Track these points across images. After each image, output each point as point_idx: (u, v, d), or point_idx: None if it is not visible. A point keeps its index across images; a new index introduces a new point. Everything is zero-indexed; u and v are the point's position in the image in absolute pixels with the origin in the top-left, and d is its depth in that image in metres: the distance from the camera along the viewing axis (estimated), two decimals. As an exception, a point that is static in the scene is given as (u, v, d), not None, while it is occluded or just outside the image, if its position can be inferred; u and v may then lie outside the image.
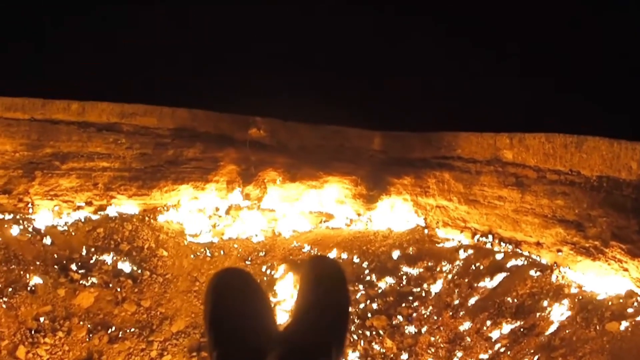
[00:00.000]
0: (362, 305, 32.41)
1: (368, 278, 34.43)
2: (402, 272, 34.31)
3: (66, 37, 42.51)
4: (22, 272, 29.34)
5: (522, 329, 26.14)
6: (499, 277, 30.18)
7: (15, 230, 31.84)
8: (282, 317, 31.46)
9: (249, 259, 36.46)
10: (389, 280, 33.94)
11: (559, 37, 41.74)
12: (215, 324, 2.43)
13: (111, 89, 38.46)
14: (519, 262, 30.55)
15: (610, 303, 24.73)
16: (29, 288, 28.90)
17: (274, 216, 40.55)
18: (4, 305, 27.25)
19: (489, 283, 30.30)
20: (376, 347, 29.58)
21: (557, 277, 28.06)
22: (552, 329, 25.12)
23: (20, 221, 32.73)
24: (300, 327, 2.52)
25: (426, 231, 37.56)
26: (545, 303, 26.78)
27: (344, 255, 36.24)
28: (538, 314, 26.36)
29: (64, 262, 31.58)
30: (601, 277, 26.69)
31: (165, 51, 46.20)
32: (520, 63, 42.31)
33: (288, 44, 49.01)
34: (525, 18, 44.32)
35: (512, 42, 43.67)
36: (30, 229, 32.51)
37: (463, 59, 43.87)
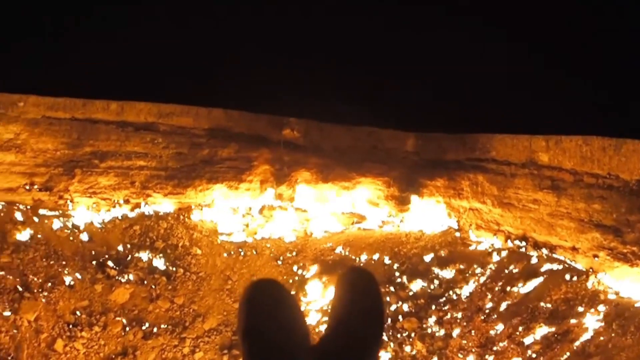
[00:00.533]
0: (393, 307, 32.33)
1: (399, 280, 34.32)
2: (433, 275, 34.10)
3: (102, 39, 43.62)
4: (61, 268, 30.24)
5: (555, 335, 25.68)
6: (533, 281, 29.71)
7: (55, 227, 32.83)
8: (314, 317, 31.68)
9: (281, 258, 36.74)
10: (421, 282, 33.77)
11: (596, 36, 40.84)
12: (249, 335, 2.42)
13: (147, 89, 39.27)
14: (554, 266, 30.02)
15: (648, 311, 24.13)
16: (67, 283, 29.75)
17: (306, 216, 40.75)
18: (43, 300, 28.13)
19: (522, 287, 29.85)
20: (407, 349, 29.50)
21: (593, 283, 27.48)
22: (587, 335, 24.62)
23: (60, 218, 33.71)
24: (336, 339, 2.53)
25: (458, 234, 37.22)
26: (580, 309, 26.25)
27: (376, 257, 36.21)
28: (572, 320, 25.85)
29: (101, 258, 32.41)
30: (639, 284, 26.03)
31: (200, 52, 46.94)
32: (556, 63, 41.51)
33: (322, 44, 49.19)
34: (561, 16, 43.48)
35: (548, 41, 42.93)
36: (69, 226, 33.47)
37: (497, 59, 43.28)
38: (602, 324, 24.59)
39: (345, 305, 2.63)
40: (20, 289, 27.90)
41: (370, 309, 2.63)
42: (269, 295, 2.55)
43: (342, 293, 2.70)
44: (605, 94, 36.94)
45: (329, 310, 2.73)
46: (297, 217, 40.54)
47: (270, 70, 45.46)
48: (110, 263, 32.29)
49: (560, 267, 29.81)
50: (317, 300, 33.20)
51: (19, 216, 32.14)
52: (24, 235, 31.00)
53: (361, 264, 35.63)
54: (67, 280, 29.86)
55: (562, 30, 42.66)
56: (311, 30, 49.86)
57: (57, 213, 33.88)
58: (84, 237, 33.18)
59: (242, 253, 36.27)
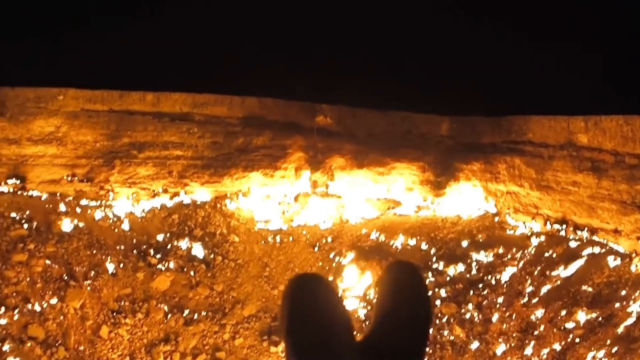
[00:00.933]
0: (430, 293, 32.18)
1: (436, 265, 34.17)
2: (471, 260, 33.82)
3: (138, 31, 44.14)
4: (104, 257, 31.01)
5: (599, 319, 25.29)
6: (574, 265, 29.24)
7: (97, 217, 33.65)
8: (351, 303, 31.82)
9: (317, 245, 36.94)
10: (458, 267, 33.56)
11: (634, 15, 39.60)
12: (292, 333, 2.40)
13: (183, 79, 39.71)
14: (595, 250, 29.49)
15: (695, 294, 23.57)
16: (110, 271, 30.51)
17: (341, 203, 40.79)
18: (88, 288, 28.94)
19: (562, 271, 29.41)
20: (445, 334, 29.44)
21: (637, 265, 26.92)
22: (631, 320, 24.16)
23: (102, 208, 34.52)
24: (381, 337, 2.51)
25: (496, 218, 36.81)
26: (623, 292, 25.76)
27: (412, 242, 36.10)
28: (616, 304, 25.40)
29: (142, 247, 33.13)
30: (685, 267, 25.46)
31: (232, 41, 47.15)
32: (591, 41, 40.44)
33: (353, 29, 48.88)
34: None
35: (582, 20, 41.82)
36: (110, 215, 34.27)
37: (530, 40, 42.44)
38: (647, 307, 24.11)
39: (391, 302, 2.60)
40: (65, 277, 28.74)
41: (418, 306, 2.59)
42: (311, 291, 2.52)
43: (387, 288, 2.67)
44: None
45: (374, 304, 2.67)
46: (332, 204, 40.62)
47: (302, 57, 45.49)
48: (151, 251, 32.98)
49: (602, 250, 29.27)
50: (354, 287, 33.33)
51: (62, 207, 33.02)
52: (67, 225, 31.85)
53: (399, 250, 35.60)
54: (110, 268, 30.63)
55: (600, 10, 41.49)
56: (344, 16, 49.60)
57: (98, 203, 34.70)
58: (125, 226, 33.94)
59: (278, 240, 36.59)
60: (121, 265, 31.29)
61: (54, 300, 27.46)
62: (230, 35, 47.82)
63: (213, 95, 38.45)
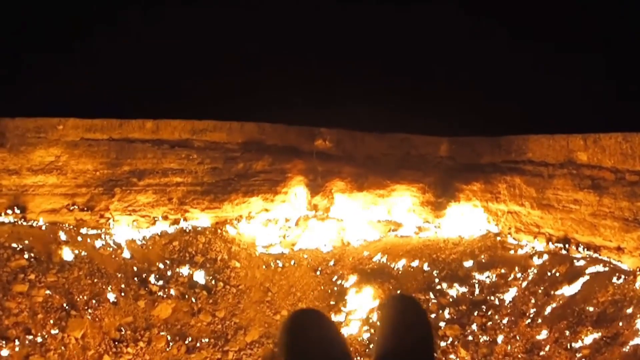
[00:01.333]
0: (434, 315, 31.98)
1: (439, 287, 33.94)
2: (474, 280, 33.62)
3: (135, 58, 44.57)
4: (104, 285, 30.81)
5: (604, 338, 25.01)
6: (578, 284, 29.02)
7: (97, 245, 33.54)
8: (355, 326, 31.56)
9: (319, 269, 36.76)
10: (461, 288, 33.33)
11: (626, 33, 39.96)
12: None
13: (180, 107, 39.96)
14: (599, 268, 29.28)
15: (700, 310, 23.34)
16: (111, 300, 30.30)
17: (342, 226, 40.73)
18: (89, 317, 28.68)
19: (566, 290, 29.18)
20: (451, 356, 29.11)
21: (641, 283, 26.71)
22: (638, 338, 23.89)
23: (102, 236, 34.43)
24: None
25: (498, 238, 36.69)
26: (629, 311, 25.50)
27: (414, 264, 35.91)
28: (621, 323, 25.13)
29: (143, 274, 32.95)
30: (690, 283, 25.25)
31: (231, 65, 47.54)
32: (589, 60, 40.74)
33: (351, 53, 49.31)
34: (591, 16, 42.68)
35: (577, 40, 42.18)
36: (111, 243, 34.15)
37: (527, 59, 42.76)
38: (653, 325, 23.86)
39: (394, 338, 2.61)
40: (66, 307, 28.51)
41: (421, 342, 2.61)
42: (309, 326, 2.55)
43: (390, 322, 2.69)
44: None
45: (376, 339, 2.70)
46: (333, 227, 40.55)
47: (299, 82, 45.81)
48: (152, 279, 32.80)
49: (606, 268, 29.07)
50: (357, 310, 33.07)
51: (62, 236, 32.91)
52: (68, 254, 31.72)
53: (401, 272, 35.40)
54: (111, 297, 30.41)
55: (596, 28, 41.89)
56: (341, 41, 50.07)
57: (99, 232, 34.63)
58: (126, 254, 33.81)
59: (280, 265, 36.43)
60: (122, 293, 31.08)
61: (55, 331, 27.20)
62: (229, 59, 48.21)
63: (212, 121, 38.64)
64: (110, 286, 30.92)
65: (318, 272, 36.51)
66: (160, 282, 32.81)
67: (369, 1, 50.29)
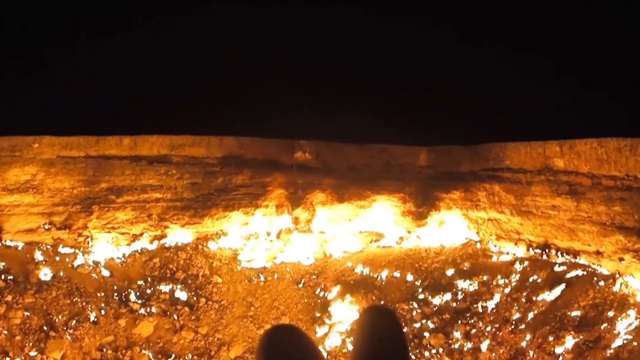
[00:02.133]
0: (418, 325, 31.98)
1: (422, 296, 33.99)
2: (457, 288, 33.72)
3: (111, 74, 44.25)
4: (84, 304, 30.27)
5: (587, 342, 25.21)
6: (559, 289, 29.26)
7: (76, 264, 32.98)
8: (338, 339, 31.40)
9: (302, 281, 36.58)
10: (444, 297, 33.40)
11: (600, 41, 40.80)
12: None
13: (158, 122, 39.70)
14: (579, 272, 29.57)
15: (679, 311, 23.66)
16: (91, 319, 29.77)
17: (324, 238, 40.63)
18: (68, 337, 28.14)
19: (548, 296, 29.40)
20: (435, 366, 29.09)
21: (621, 286, 27.03)
22: (619, 341, 24.15)
23: (81, 255, 33.87)
24: None
25: (479, 245, 36.90)
26: (610, 314, 25.78)
27: (397, 274, 35.93)
28: (603, 326, 25.38)
29: (124, 292, 32.44)
30: (668, 285, 25.61)
31: (208, 79, 47.43)
32: (562, 68, 41.47)
33: (328, 65, 49.53)
34: (568, 20, 43.52)
35: (550, 47, 42.95)
36: (90, 262, 33.62)
37: (504, 67, 43.35)
38: (634, 328, 24.12)
39: (369, 347, 2.60)
40: (45, 328, 27.96)
41: (396, 352, 2.61)
42: (285, 342, 2.54)
43: (365, 332, 2.68)
44: (615, 94, 36.75)
45: (352, 349, 2.69)
46: (315, 239, 40.43)
47: (277, 94, 45.88)
48: (132, 297, 32.31)
49: (586, 272, 29.37)
50: (341, 322, 32.93)
51: (39, 256, 32.35)
52: (45, 274, 31.15)
53: (384, 282, 35.38)
54: (91, 316, 29.89)
55: (570, 35, 42.67)
56: (319, 53, 50.28)
57: (77, 250, 34.06)
58: (105, 272, 33.29)
59: (262, 278, 36.16)
60: (102, 312, 30.54)
61: (34, 353, 26.64)
62: (206, 73, 48.13)
63: (190, 136, 38.39)
64: (90, 305, 30.39)
65: (301, 285, 36.32)
66: (141, 300, 32.34)
67: (344, 13, 50.62)
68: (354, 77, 49.66)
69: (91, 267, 33.22)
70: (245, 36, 50.97)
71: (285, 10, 50.84)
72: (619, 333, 24.51)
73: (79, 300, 30.34)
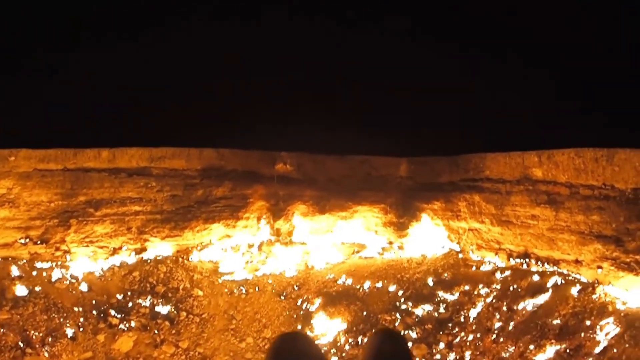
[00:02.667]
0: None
1: (404, 306, 34.01)
2: (439, 299, 33.82)
3: (88, 90, 43.85)
4: (61, 320, 29.72)
5: (567, 351, 25.39)
6: (539, 298, 29.51)
7: (53, 279, 32.39)
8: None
9: (284, 294, 36.36)
10: (426, 307, 33.47)
11: (580, 51, 41.54)
12: None
13: (138, 134, 39.39)
14: (559, 281, 29.86)
15: (657, 318, 23.96)
16: (69, 335, 29.21)
17: (306, 249, 40.52)
18: (46, 354, 27.57)
19: (529, 305, 29.62)
20: (418, 376, 29.06)
21: (600, 294, 27.33)
22: (599, 349, 24.36)
23: (58, 269, 33.28)
24: None
25: (460, 255, 37.10)
26: (589, 322, 26.02)
27: (379, 285, 35.93)
28: (583, 334, 25.60)
29: (102, 307, 31.93)
30: (646, 292, 25.93)
31: (188, 91, 47.24)
32: (540, 78, 42.12)
33: (308, 77, 49.68)
34: (547, 33, 44.26)
35: (530, 57, 43.61)
36: (68, 277, 33.03)
37: (482, 79, 43.90)
38: (614, 335, 24.36)
39: None
40: (21, 345, 27.35)
41: None
42: (294, 348, 2.56)
43: (371, 355, 2.74)
44: (592, 105, 37.41)
45: None
46: (296, 251, 40.30)
47: (257, 105, 45.86)
48: (111, 311, 31.80)
49: (565, 281, 29.66)
50: (324, 334, 32.79)
51: (16, 271, 31.70)
52: (22, 290, 30.53)
53: (366, 293, 35.34)
54: (69, 332, 29.34)
55: (548, 45, 43.42)
56: (299, 65, 50.41)
57: (54, 265, 33.47)
58: (84, 287, 32.74)
59: (244, 291, 35.88)
60: (80, 328, 30.00)
61: (9, 371, 26.04)
62: (186, 86, 47.94)
63: (170, 148, 38.09)
64: (67, 321, 29.85)
65: (283, 297, 36.11)
66: (121, 315, 31.84)
67: (319, 24, 50.90)
68: (334, 88, 49.85)
69: (69, 282, 32.65)
70: (223, 49, 50.90)
71: (263, 21, 50.99)
72: (599, 341, 24.73)
73: (56, 316, 29.78)
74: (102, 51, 45.50)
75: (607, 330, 24.99)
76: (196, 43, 50.46)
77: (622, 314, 25.34)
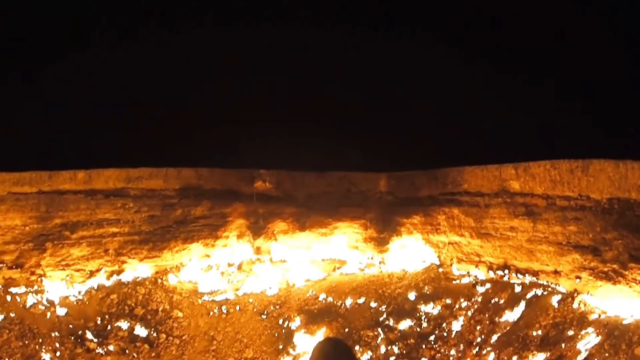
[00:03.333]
0: (383, 350, 31.78)
1: (387, 322, 33.87)
2: (420, 313, 33.76)
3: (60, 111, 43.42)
4: (37, 346, 29.01)
5: (549, 362, 25.44)
6: (520, 309, 29.63)
7: (29, 304, 31.68)
8: (304, 369, 30.88)
9: (265, 312, 36.01)
10: (409, 322, 33.37)
11: (554, 62, 42.27)
12: None
13: (115, 156, 39.01)
14: (539, 292, 30.02)
15: (636, 327, 24.11)
16: (45, 362, 28.52)
17: (286, 267, 40.25)
18: (21, 382, 26.86)
19: (510, 316, 29.71)
20: (402, 393, 28.85)
21: (579, 304, 27.51)
22: (580, 358, 24.44)
23: (34, 294, 32.57)
24: None
25: (441, 269, 37.15)
26: (570, 332, 26.14)
27: (361, 301, 35.77)
28: (564, 345, 25.69)
29: (79, 331, 31.27)
30: (624, 301, 26.13)
31: (161, 112, 47.00)
32: (515, 90, 42.72)
33: (284, 89, 49.82)
34: (521, 45, 44.98)
35: (505, 69, 44.23)
36: (44, 301, 32.33)
37: (458, 90, 44.41)
38: (594, 345, 24.48)
39: None
40: (-5, 373, 26.65)
41: None
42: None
43: None
44: (569, 116, 38.01)
45: None
46: (277, 269, 40.00)
47: (235, 123, 45.77)
48: (89, 335, 31.15)
49: (545, 292, 29.83)
50: (306, 352, 32.44)
51: (-11, 297, 30.95)
52: (-4, 316, 29.80)
53: (348, 310, 35.14)
54: (46, 358, 28.63)
55: (523, 60, 44.09)
56: (269, 80, 50.51)
57: (29, 290, 32.74)
58: (60, 311, 32.06)
59: (224, 311, 35.44)
60: (57, 353, 29.30)
61: (-18, 400, 25.31)
62: (162, 103, 47.70)
63: (147, 168, 37.73)
64: (44, 347, 29.14)
65: (264, 316, 35.73)
66: (98, 338, 31.20)
67: (297, 36, 51.14)
68: (310, 105, 49.99)
69: (45, 307, 31.94)
70: (201, 64, 50.86)
71: (242, 36, 51.06)
72: (580, 350, 24.82)
73: (31, 342, 29.07)
74: (77, 69, 45.15)
75: (587, 340, 25.10)
76: (172, 59, 50.34)
77: (602, 323, 25.50)
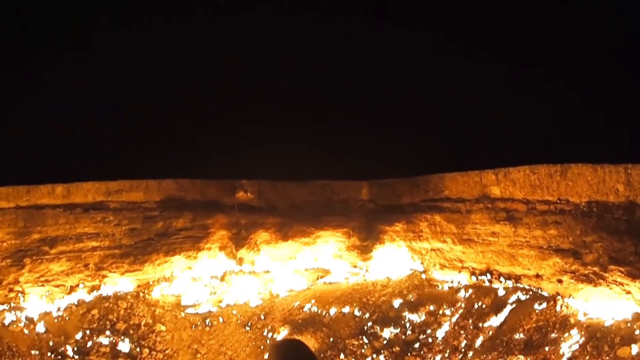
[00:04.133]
0: (369, 359, 31.68)
1: (372, 330, 33.81)
2: (405, 320, 33.79)
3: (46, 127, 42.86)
4: (17, 365, 28.40)
5: (534, 365, 25.55)
6: (503, 314, 29.76)
7: (7, 321, 31.03)
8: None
9: (249, 324, 35.72)
10: (393, 329, 33.36)
11: (537, 67, 42.72)
12: None
13: (93, 168, 38.54)
14: (521, 296, 30.20)
15: (618, 328, 24.36)
16: (25, 380, 27.93)
17: (269, 277, 40.03)
18: (0, 402, 26.26)
19: (494, 321, 29.83)
20: (388, 401, 28.76)
21: (562, 307, 27.70)
22: (564, 361, 24.61)
23: (12, 311, 31.92)
24: None
25: (424, 275, 37.25)
26: (553, 335, 26.30)
27: (345, 310, 35.67)
28: (548, 348, 25.82)
29: (60, 348, 30.69)
30: (605, 303, 26.37)
31: (140, 123, 46.65)
32: (496, 96, 43.15)
33: (263, 103, 49.79)
34: (504, 46, 45.40)
35: (487, 74, 44.68)
36: (23, 318, 31.68)
37: (438, 98, 44.75)
38: (577, 347, 24.66)
39: None
40: (-27, 394, 26.01)
41: None
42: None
43: None
44: (548, 121, 38.50)
45: None
46: (260, 279, 39.76)
47: (216, 134, 45.57)
48: (69, 352, 30.60)
49: (528, 296, 30.01)
50: (291, 363, 32.25)
51: (-34, 316, 30.27)
52: (-27, 335, 29.13)
53: (332, 319, 35.01)
54: (25, 377, 28.04)
55: (504, 66, 44.50)
56: (249, 88, 50.45)
57: (8, 307, 32.08)
58: (40, 328, 31.43)
59: (208, 323, 35.09)
60: (37, 372, 28.73)
61: (-40, 422, 24.66)
62: (140, 114, 47.30)
63: (127, 181, 37.33)
64: (23, 365, 28.53)
65: (248, 328, 35.45)
66: (79, 355, 30.66)
67: (276, 44, 51.21)
68: (292, 114, 50.01)
69: (24, 324, 31.29)
70: (179, 73, 50.60)
71: (223, 41, 50.96)
72: (563, 353, 24.98)
73: (11, 360, 28.46)
74: (54, 78, 44.55)
75: (570, 342, 25.28)
76: (151, 68, 49.97)
77: (584, 325, 25.71)
